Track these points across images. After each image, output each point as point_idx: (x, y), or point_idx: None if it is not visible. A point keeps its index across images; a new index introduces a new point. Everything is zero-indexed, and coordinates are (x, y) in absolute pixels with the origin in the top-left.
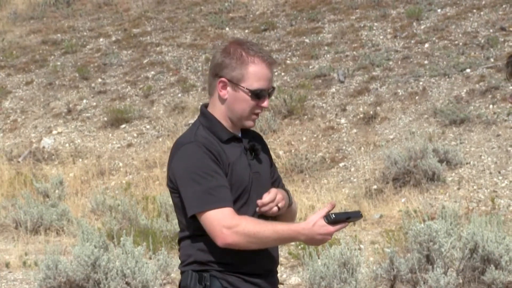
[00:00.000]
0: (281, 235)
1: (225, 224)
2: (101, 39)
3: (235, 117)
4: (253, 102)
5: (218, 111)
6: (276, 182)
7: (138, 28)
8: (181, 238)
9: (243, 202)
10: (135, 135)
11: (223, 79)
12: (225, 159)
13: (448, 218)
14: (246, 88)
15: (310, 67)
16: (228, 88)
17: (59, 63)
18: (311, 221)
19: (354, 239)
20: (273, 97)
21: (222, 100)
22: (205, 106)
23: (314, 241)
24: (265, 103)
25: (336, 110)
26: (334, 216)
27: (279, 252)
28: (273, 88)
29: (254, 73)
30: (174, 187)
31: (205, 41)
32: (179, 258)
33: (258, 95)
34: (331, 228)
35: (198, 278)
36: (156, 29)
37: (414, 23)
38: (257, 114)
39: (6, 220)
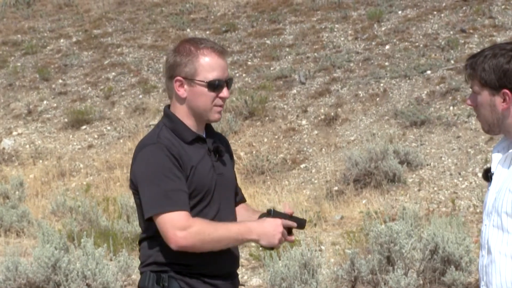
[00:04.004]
0: (235, 232)
1: (178, 226)
2: (61, 40)
3: (198, 113)
4: (212, 93)
5: (180, 112)
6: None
7: (98, 29)
8: (141, 239)
9: (206, 204)
10: (95, 136)
11: (178, 77)
12: (187, 162)
13: (409, 219)
14: (202, 81)
15: (271, 68)
16: (185, 86)
17: (19, 64)
18: (262, 220)
19: (315, 240)
20: (234, 98)
21: (182, 100)
22: (169, 107)
23: (267, 236)
24: (224, 93)
25: (297, 112)
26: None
27: (240, 254)
28: (231, 78)
29: (206, 65)
30: (135, 189)
31: (166, 42)
32: (139, 259)
33: (215, 85)
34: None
35: (156, 278)
36: (117, 30)
37: (375, 25)
38: (220, 106)
39: None
